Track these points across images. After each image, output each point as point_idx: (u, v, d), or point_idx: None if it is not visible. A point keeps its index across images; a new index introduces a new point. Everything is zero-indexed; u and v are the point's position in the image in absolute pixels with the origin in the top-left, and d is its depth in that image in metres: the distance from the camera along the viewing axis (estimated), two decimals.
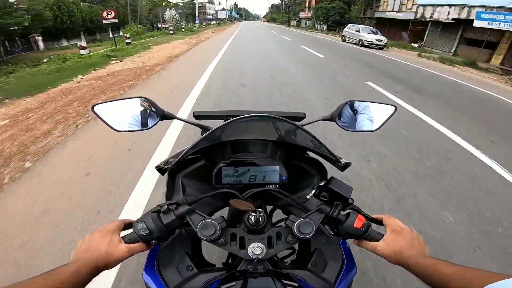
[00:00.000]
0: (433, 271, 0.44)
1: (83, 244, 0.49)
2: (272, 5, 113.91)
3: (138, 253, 0.51)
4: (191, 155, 0.67)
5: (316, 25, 35.76)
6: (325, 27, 32.17)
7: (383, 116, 0.73)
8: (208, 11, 78.51)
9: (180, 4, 64.62)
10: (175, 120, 0.77)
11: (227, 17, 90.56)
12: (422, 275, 0.46)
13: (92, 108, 0.62)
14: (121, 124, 0.64)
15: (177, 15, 49.77)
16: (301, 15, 46.70)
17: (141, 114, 0.65)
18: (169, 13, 49.21)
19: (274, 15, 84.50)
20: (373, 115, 0.73)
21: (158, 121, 0.66)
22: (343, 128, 0.73)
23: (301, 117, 0.86)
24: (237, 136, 0.66)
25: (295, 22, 50.52)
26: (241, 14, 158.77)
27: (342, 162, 0.61)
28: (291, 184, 0.67)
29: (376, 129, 0.73)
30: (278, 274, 0.50)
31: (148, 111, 0.65)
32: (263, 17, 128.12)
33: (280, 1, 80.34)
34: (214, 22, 51.05)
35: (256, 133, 0.67)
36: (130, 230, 0.52)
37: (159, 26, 47.73)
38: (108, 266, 0.48)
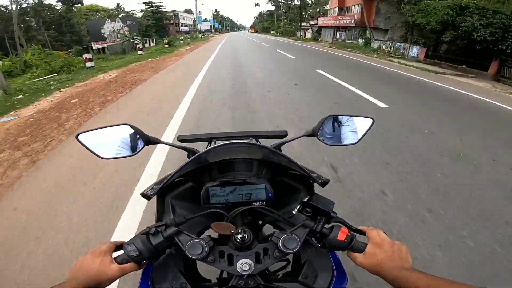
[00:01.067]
0: (407, 284, 0.45)
1: (77, 263, 0.51)
2: (260, 13, 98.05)
3: (130, 272, 0.53)
4: (179, 178, 0.69)
5: (381, 43, 17.84)
6: (415, 51, 14.41)
7: (362, 129, 0.75)
8: (183, 21, 60.02)
9: (135, 13, 45.61)
10: None
11: (197, 28, 72.06)
12: (397, 287, 0.47)
13: (77, 136, 0.63)
14: (106, 151, 0.66)
15: (125, 29, 30.96)
16: (321, 21, 29.17)
17: (125, 141, 0.67)
18: (111, 27, 29.99)
19: (267, 24, 67.74)
20: (352, 128, 0.75)
21: (143, 147, 0.68)
22: (325, 143, 0.76)
23: (283, 135, 0.92)
24: (222, 157, 0.70)
25: (310, 34, 32.92)
26: (225, 25, 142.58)
27: (321, 180, 0.67)
28: (278, 200, 0.68)
29: (357, 142, 0.76)
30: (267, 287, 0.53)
31: (133, 137, 0.67)
32: (251, 27, 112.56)
33: (273, 8, 63.91)
34: (162, 40, 31.75)
35: (240, 153, 0.70)
36: (122, 251, 0.53)
37: (96, 47, 29.46)
38: (100, 285, 0.49)
